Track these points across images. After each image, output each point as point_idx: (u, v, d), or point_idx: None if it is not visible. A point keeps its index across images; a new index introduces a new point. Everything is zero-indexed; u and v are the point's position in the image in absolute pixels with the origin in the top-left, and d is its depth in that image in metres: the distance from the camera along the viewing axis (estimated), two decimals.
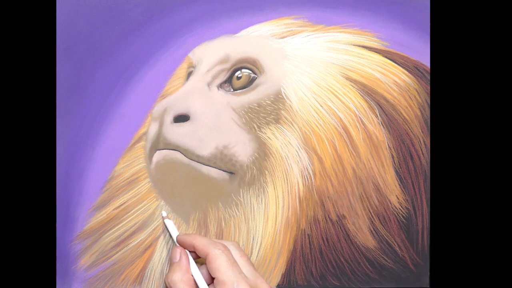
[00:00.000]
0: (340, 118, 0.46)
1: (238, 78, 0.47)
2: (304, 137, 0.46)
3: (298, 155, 0.46)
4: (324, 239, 0.46)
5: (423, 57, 0.47)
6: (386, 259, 0.46)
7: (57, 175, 0.46)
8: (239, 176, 0.46)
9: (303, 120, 0.46)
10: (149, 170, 0.47)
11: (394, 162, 0.46)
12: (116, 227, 0.46)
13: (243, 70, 0.47)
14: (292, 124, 0.46)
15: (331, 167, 0.46)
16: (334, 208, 0.46)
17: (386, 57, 0.47)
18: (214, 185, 0.46)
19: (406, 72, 0.47)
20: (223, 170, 0.45)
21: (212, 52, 0.47)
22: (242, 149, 0.46)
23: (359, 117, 0.46)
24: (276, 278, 0.46)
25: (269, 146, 0.46)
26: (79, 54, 0.46)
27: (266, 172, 0.46)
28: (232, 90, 0.47)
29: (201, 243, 0.40)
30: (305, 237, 0.46)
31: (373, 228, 0.46)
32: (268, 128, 0.46)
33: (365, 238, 0.46)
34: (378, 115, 0.46)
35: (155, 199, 0.47)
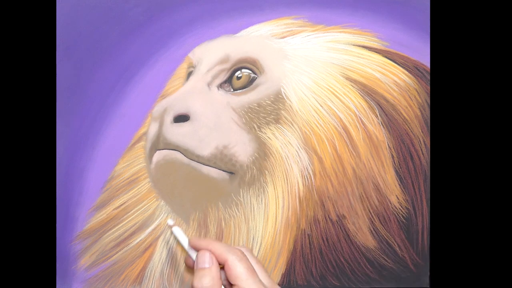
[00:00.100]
0: (340, 118, 0.46)
1: (238, 78, 0.47)
2: (304, 137, 0.46)
3: (298, 155, 0.46)
4: (324, 239, 0.46)
5: (423, 57, 0.47)
6: (386, 259, 0.46)
7: (57, 175, 0.46)
8: (239, 176, 0.46)
9: (303, 120, 0.46)
10: (149, 170, 0.47)
11: (394, 162, 0.46)
12: (116, 227, 0.46)
13: (243, 70, 0.47)
14: (292, 124, 0.46)
15: (331, 167, 0.46)
16: (334, 208, 0.46)
17: (386, 57, 0.47)
18: (214, 185, 0.46)
19: (406, 72, 0.47)
20: (223, 170, 0.45)
21: (212, 52, 0.47)
22: (242, 149, 0.46)
23: (359, 117, 0.46)
24: (276, 278, 0.46)
25: (269, 146, 0.46)
26: (79, 54, 0.46)
27: (266, 172, 0.46)
28: (232, 90, 0.47)
29: (218, 249, 0.39)
30: (305, 237, 0.46)
31: (373, 228, 0.46)
32: (268, 128, 0.46)
33: (365, 238, 0.46)
34: (378, 115, 0.46)
35: (155, 199, 0.47)
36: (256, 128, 0.46)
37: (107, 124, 0.47)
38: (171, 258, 0.46)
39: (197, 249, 0.41)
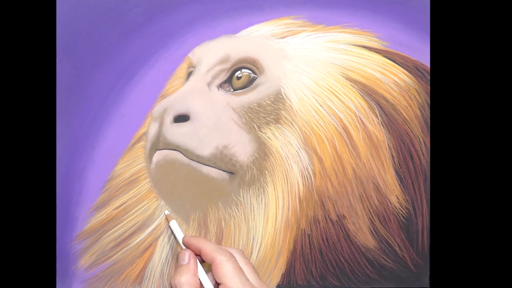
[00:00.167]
0: (340, 118, 0.46)
1: (238, 78, 0.47)
2: (304, 137, 0.46)
3: (298, 155, 0.46)
4: (324, 239, 0.46)
5: (423, 57, 0.48)
6: (386, 259, 0.46)
7: (57, 175, 0.46)
8: (239, 176, 0.46)
9: (303, 120, 0.46)
10: (149, 170, 0.47)
11: (394, 162, 0.46)
12: (116, 227, 0.46)
13: (243, 70, 0.47)
14: (292, 124, 0.46)
15: (331, 167, 0.46)
16: (334, 208, 0.46)
17: (386, 57, 0.47)
18: (214, 185, 0.46)
19: (406, 72, 0.47)
20: (223, 170, 0.45)
21: (212, 52, 0.47)
22: (242, 149, 0.46)
23: (359, 117, 0.46)
24: (276, 278, 0.46)
25: (269, 146, 0.46)
26: (79, 54, 0.46)
27: (266, 172, 0.46)
28: (232, 90, 0.47)
29: (208, 248, 0.40)
30: (305, 237, 0.46)
31: (373, 228, 0.46)
32: (268, 128, 0.46)
33: (365, 238, 0.46)
34: (378, 115, 0.46)
35: (155, 199, 0.47)
36: (256, 128, 0.46)
37: (107, 124, 0.47)
38: (171, 258, 0.46)
39: (189, 247, 0.42)
